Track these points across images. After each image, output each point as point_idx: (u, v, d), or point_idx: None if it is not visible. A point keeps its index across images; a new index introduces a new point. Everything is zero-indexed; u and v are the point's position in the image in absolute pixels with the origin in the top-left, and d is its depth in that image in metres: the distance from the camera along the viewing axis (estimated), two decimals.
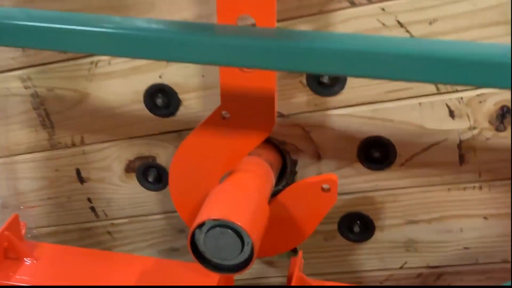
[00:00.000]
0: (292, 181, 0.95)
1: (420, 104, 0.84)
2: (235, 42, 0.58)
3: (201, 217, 0.73)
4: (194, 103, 0.91)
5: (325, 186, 0.83)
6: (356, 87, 0.85)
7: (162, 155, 0.97)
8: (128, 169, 1.00)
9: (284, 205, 0.86)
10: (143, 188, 1.01)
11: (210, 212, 0.74)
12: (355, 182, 0.92)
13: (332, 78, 0.85)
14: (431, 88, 0.83)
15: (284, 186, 0.95)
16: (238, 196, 0.77)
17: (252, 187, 0.80)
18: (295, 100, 0.88)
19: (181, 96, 0.91)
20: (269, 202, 0.86)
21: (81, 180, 1.03)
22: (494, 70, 0.51)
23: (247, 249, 0.72)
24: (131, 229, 1.05)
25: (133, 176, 1.00)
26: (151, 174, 0.99)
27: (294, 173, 0.94)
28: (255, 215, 0.75)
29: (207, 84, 0.89)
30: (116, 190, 1.02)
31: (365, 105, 0.86)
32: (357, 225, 0.95)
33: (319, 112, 0.88)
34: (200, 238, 0.73)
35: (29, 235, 1.09)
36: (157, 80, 0.91)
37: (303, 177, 0.94)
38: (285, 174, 0.95)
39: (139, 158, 0.99)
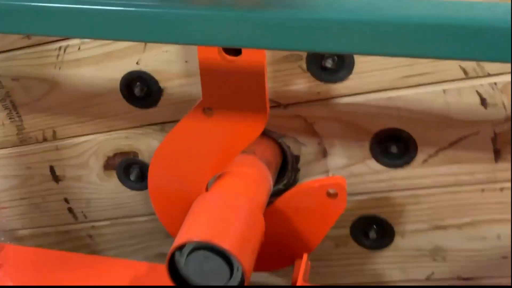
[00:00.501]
0: (294, 179, 0.86)
1: (444, 91, 0.73)
2: (213, 13, 0.48)
3: (180, 238, 0.64)
4: (178, 92, 0.82)
5: (331, 191, 0.73)
6: (365, 72, 0.75)
7: (145, 150, 0.89)
8: (108, 166, 0.92)
9: (283, 213, 0.77)
10: (125, 187, 0.93)
11: (190, 232, 0.65)
12: (369, 181, 0.83)
13: (337, 61, 0.74)
14: (457, 72, 0.72)
15: (286, 185, 0.86)
16: (226, 210, 0.68)
17: (243, 197, 0.71)
18: (295, 87, 0.78)
19: (162, 85, 0.82)
20: (267, 209, 0.76)
21: (56, 178, 0.95)
22: (488, 37, 0.41)
23: (237, 275, 0.63)
24: (114, 232, 0.99)
25: (113, 174, 0.93)
26: (133, 172, 0.92)
27: (296, 170, 0.85)
28: (246, 234, 0.66)
29: (191, 70, 0.80)
30: (95, 189, 0.95)
31: (378, 93, 0.76)
32: (373, 230, 0.86)
33: (323, 101, 0.78)
34: (181, 261, 0.65)
35: (2, 238, 1.02)
36: (134, 67, 0.82)
37: (307, 175, 0.85)
38: (286, 171, 0.85)
39: (119, 154, 0.91)
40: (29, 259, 0.91)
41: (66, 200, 0.98)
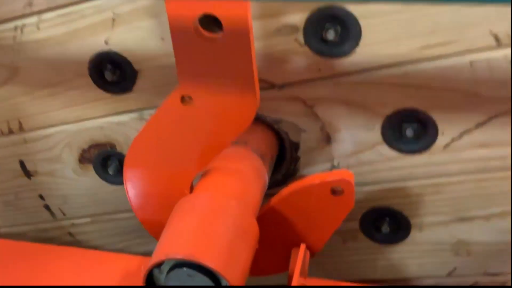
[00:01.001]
0: (294, 169, 0.74)
1: (471, 63, 0.61)
2: None
3: (158, 254, 0.53)
4: (155, 74, 0.71)
5: (336, 188, 0.61)
6: (375, 44, 0.62)
7: (123, 142, 0.78)
8: (83, 159, 0.81)
9: (281, 214, 0.65)
10: (103, 181, 0.82)
11: (170, 247, 0.54)
12: (381, 170, 0.71)
13: (341, 32, 0.62)
14: (487, 39, 0.60)
15: (284, 176, 0.75)
16: (211, 217, 0.57)
17: (232, 200, 0.60)
18: (291, 65, 0.66)
19: (137, 67, 0.70)
20: (262, 210, 0.65)
21: (28, 174, 0.84)
22: None
23: None
24: (96, 230, 0.89)
25: (90, 168, 0.82)
26: (112, 165, 0.81)
27: (296, 159, 0.73)
28: (235, 245, 0.56)
29: (169, 48, 0.67)
30: (72, 184, 0.84)
31: (391, 68, 0.63)
32: (386, 223, 0.75)
33: (325, 79, 0.65)
34: (161, 278, 0.54)
35: None
36: (103, 47, 0.70)
37: (309, 164, 0.74)
38: (285, 161, 0.74)
39: (94, 146, 0.80)
40: (17, 253, 0.82)
41: (41, 197, 0.88)
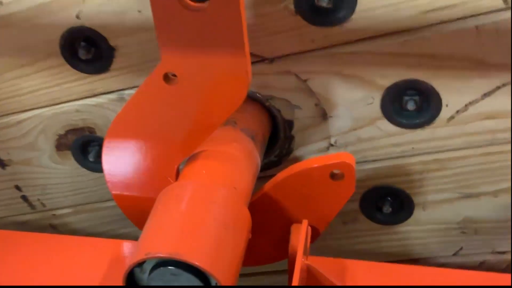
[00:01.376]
0: (288, 148, 0.69)
1: (477, 27, 0.56)
2: None
3: (139, 253, 0.48)
4: (134, 50, 0.66)
5: (336, 171, 0.57)
6: (372, 10, 0.58)
7: (102, 124, 0.73)
8: (60, 146, 0.76)
9: (276, 200, 0.60)
10: (84, 169, 0.76)
11: (151, 244, 0.49)
12: (381, 146, 0.67)
13: None
14: (494, 1, 0.54)
15: (278, 156, 0.70)
16: (198, 209, 0.52)
17: (221, 188, 0.55)
18: (282, 35, 0.60)
19: (113, 43, 0.65)
20: (254, 195, 0.60)
21: (2, 163, 0.79)
22: None
23: None
24: (78, 221, 0.85)
25: (69, 154, 0.77)
26: (92, 151, 0.75)
27: (290, 138, 0.68)
28: (224, 239, 0.51)
29: (148, 22, 0.62)
30: (50, 173, 0.79)
31: (390, 36, 0.59)
32: (388, 203, 0.70)
33: (319, 50, 0.60)
34: (143, 278, 0.49)
35: None
36: (75, 22, 0.65)
37: (304, 143, 0.69)
38: (278, 140, 0.69)
39: (71, 130, 0.75)
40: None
41: (18, 188, 0.83)
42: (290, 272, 0.58)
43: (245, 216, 0.54)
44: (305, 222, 0.61)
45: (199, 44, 0.52)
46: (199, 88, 0.55)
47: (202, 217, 0.51)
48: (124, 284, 0.50)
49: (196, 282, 0.48)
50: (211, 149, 0.60)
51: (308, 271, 0.60)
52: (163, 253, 0.47)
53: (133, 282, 0.50)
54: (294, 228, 0.61)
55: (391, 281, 0.62)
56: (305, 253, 0.59)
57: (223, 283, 0.48)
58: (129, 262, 0.49)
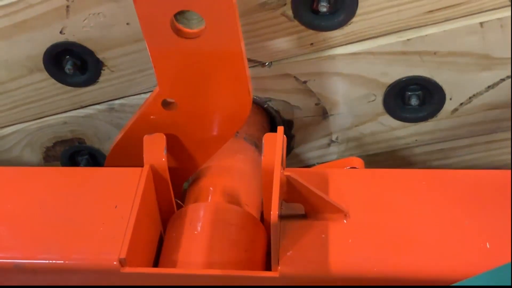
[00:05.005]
0: (288, 148, 0.70)
1: (482, 24, 0.57)
2: None
3: None
4: (123, 62, 0.65)
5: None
6: (374, 12, 0.57)
7: (92, 134, 0.72)
8: (48, 158, 0.76)
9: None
10: None
11: None
12: (385, 140, 0.68)
13: (333, 2, 0.56)
14: None
15: None
16: (211, 238, 0.52)
17: (234, 208, 0.55)
18: (280, 40, 0.60)
19: (100, 55, 0.64)
20: None
21: None
22: None
23: None
24: None
25: (58, 165, 0.75)
26: (82, 161, 0.75)
27: (290, 137, 0.69)
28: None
29: (136, 34, 0.61)
30: None
31: (392, 35, 0.58)
32: None
33: (318, 53, 0.60)
34: None
35: None
36: (59, 38, 0.63)
37: (305, 141, 0.70)
38: None
39: (59, 142, 0.73)
40: None
41: None
42: (265, 187, 0.51)
43: (261, 230, 0.55)
44: (280, 128, 0.52)
45: (197, 71, 0.52)
46: (200, 112, 0.55)
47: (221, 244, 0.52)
48: None
49: None
50: (216, 164, 0.60)
51: (288, 184, 0.50)
52: None
53: None
54: (265, 138, 0.53)
55: (375, 187, 0.54)
56: (282, 164, 0.50)
57: None
58: None
